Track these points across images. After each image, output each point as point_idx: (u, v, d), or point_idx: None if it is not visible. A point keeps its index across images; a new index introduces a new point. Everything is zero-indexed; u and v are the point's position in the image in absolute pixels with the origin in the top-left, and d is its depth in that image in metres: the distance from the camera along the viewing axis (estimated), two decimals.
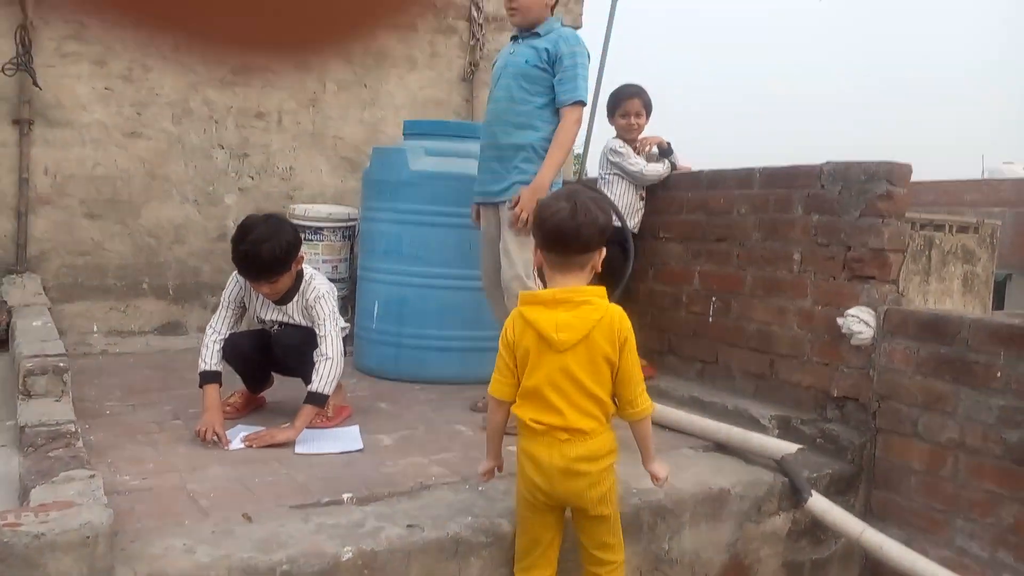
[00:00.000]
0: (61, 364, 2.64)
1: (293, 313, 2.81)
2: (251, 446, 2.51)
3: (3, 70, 3.84)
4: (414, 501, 2.21)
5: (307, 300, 2.77)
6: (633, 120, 3.69)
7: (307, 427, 2.68)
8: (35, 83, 3.92)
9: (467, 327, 3.51)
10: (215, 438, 2.51)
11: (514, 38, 3.05)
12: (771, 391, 3.16)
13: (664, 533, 2.31)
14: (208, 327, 2.79)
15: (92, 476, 1.97)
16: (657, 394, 3.32)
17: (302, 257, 2.79)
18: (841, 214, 2.95)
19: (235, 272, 2.81)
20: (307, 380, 2.69)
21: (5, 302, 3.54)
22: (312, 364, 2.68)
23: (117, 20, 0.58)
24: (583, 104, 2.95)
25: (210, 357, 2.70)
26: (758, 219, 3.28)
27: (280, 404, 3.00)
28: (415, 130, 3.92)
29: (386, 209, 3.69)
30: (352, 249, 4.29)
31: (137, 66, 4.19)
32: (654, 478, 2.10)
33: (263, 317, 2.86)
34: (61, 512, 1.74)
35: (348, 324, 3.13)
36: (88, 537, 1.69)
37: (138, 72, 4.20)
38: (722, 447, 2.76)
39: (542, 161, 2.88)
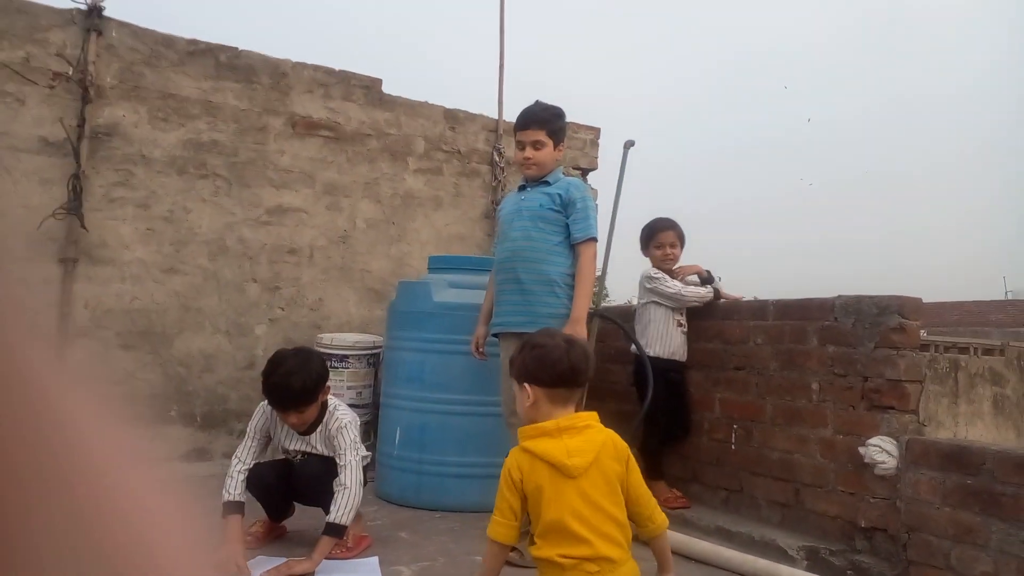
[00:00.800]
0: None
1: (316, 443, 2.85)
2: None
3: (54, 215, 4.11)
4: None
5: (329, 430, 2.82)
6: (668, 251, 3.79)
7: (326, 558, 2.67)
8: (82, 226, 4.17)
9: (487, 454, 3.52)
10: (236, 570, 2.50)
11: (521, 187, 3.33)
12: (797, 520, 3.10)
13: None
14: (234, 456, 2.84)
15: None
16: (682, 523, 3.28)
17: (328, 388, 2.87)
18: (856, 345, 3.00)
19: (262, 403, 2.88)
20: (327, 510, 2.70)
21: None
22: (332, 494, 2.70)
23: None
24: (595, 240, 3.18)
25: (234, 487, 2.73)
26: (774, 349, 3.34)
27: (301, 533, 2.99)
28: (439, 264, 4.09)
29: (410, 338, 3.79)
30: (376, 376, 4.38)
31: (178, 208, 4.46)
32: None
33: (287, 447, 2.91)
34: None
35: (369, 453, 3.16)
36: None
37: (179, 213, 4.46)
38: None
39: (563, 292, 3.07)
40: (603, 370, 4.13)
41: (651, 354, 3.62)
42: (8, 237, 0.18)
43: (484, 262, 4.22)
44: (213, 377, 4.45)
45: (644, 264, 3.90)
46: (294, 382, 2.67)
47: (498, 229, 3.38)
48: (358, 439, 2.86)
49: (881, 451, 2.79)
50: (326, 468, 2.79)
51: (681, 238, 3.84)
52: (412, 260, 5.09)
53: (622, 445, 2.03)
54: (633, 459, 2.03)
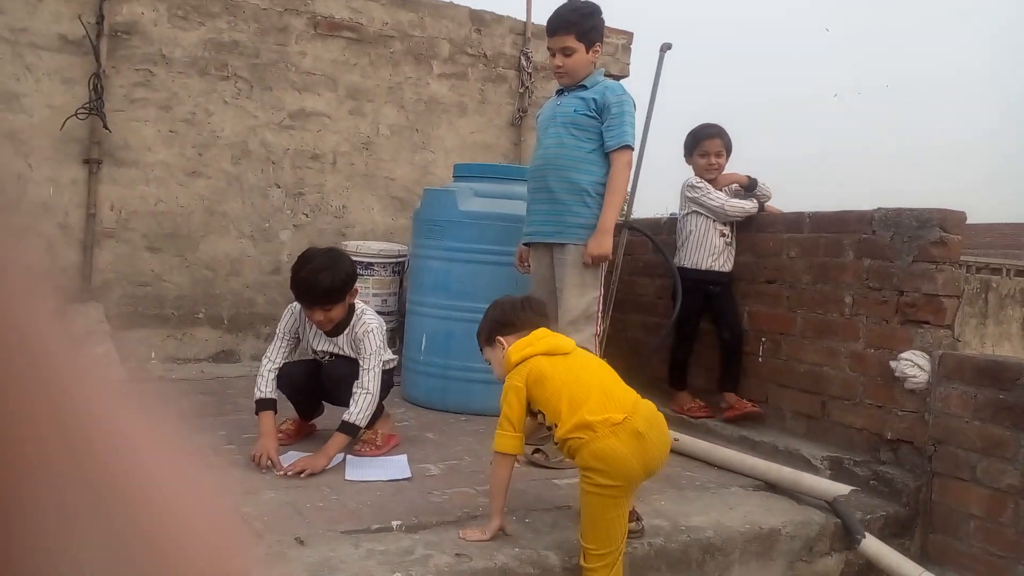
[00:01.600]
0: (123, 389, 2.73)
1: (343, 345, 2.87)
2: (286, 474, 2.54)
3: (76, 114, 4.05)
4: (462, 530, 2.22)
5: (356, 333, 2.82)
6: (713, 160, 3.60)
7: (357, 455, 2.72)
8: (105, 126, 4.11)
9: None
10: (269, 463, 2.56)
11: (559, 91, 3.19)
12: (823, 432, 3.11)
13: (713, 570, 2.27)
14: (264, 357, 2.86)
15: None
16: (706, 432, 3.31)
17: (356, 291, 2.86)
18: (893, 259, 2.93)
19: (291, 304, 2.89)
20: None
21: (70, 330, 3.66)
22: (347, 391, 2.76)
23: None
24: (631, 148, 3.05)
25: (265, 386, 2.76)
26: (808, 262, 3.28)
27: (330, 431, 3.05)
28: (465, 172, 4.02)
29: (435, 247, 3.76)
30: (401, 284, 4.38)
31: (200, 110, 4.38)
32: None
33: (316, 348, 2.93)
34: None
35: (395, 357, 3.18)
36: None
37: (201, 116, 4.39)
38: (772, 487, 2.72)
39: (594, 202, 2.99)
40: (630, 283, 4.10)
41: (689, 265, 3.52)
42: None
43: (510, 170, 4.14)
44: (239, 281, 4.47)
45: (679, 172, 3.79)
46: (322, 279, 2.66)
47: (537, 136, 3.28)
48: (384, 345, 2.87)
49: (913, 365, 2.76)
50: (352, 370, 2.81)
51: (728, 146, 3.64)
52: (436, 168, 5.01)
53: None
54: None
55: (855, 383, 3.02)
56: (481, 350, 2.37)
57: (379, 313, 3.09)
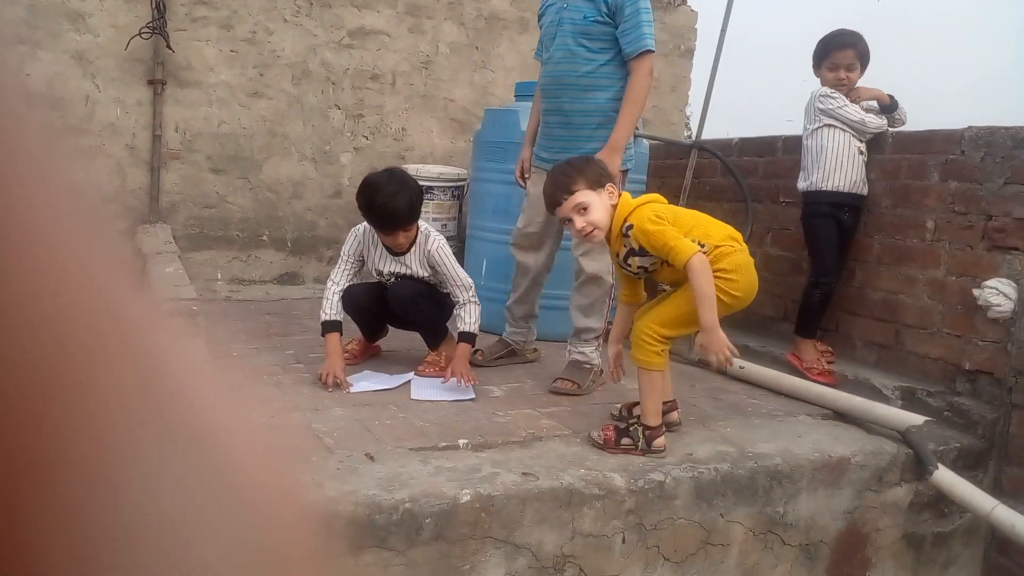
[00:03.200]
0: (194, 307, 2.79)
1: (412, 264, 2.87)
2: (456, 381, 2.66)
3: (140, 34, 4.05)
4: (527, 450, 2.24)
5: (428, 250, 2.83)
6: (843, 74, 3.15)
7: (421, 375, 2.76)
8: (168, 46, 4.11)
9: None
10: (337, 382, 2.61)
11: None
12: (895, 362, 3.02)
13: (779, 497, 2.26)
14: (328, 280, 2.89)
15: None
16: (772, 360, 3.24)
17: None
18: (983, 182, 2.77)
19: (354, 228, 2.89)
20: (418, 330, 2.88)
21: (140, 250, 3.76)
22: (424, 315, 2.83)
23: None
24: (651, 52, 2.69)
25: (331, 308, 2.80)
26: (888, 185, 3.13)
27: (394, 352, 3.10)
28: (527, 92, 3.89)
29: (497, 170, 3.70)
30: (460, 208, 4.35)
31: (260, 29, 4.34)
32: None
33: (381, 269, 2.94)
34: None
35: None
36: None
37: (261, 35, 4.35)
38: (841, 416, 2.67)
39: (612, 124, 2.71)
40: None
41: (828, 188, 3.11)
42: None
43: None
44: (302, 204, 4.50)
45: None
46: (400, 202, 2.66)
47: (540, 37, 2.94)
48: (452, 255, 2.90)
49: (998, 293, 2.64)
50: (418, 289, 2.83)
51: (863, 58, 3.16)
52: (496, 88, 4.89)
53: None
54: None
55: (933, 312, 2.90)
56: (569, 194, 2.27)
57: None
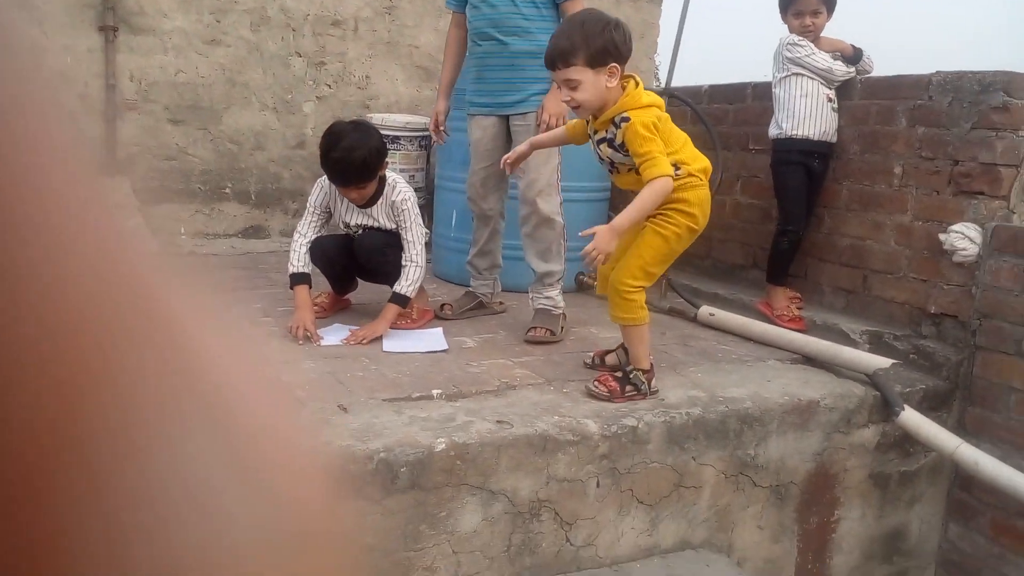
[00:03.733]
0: None
1: (378, 216, 2.82)
2: (349, 343, 2.59)
3: None
4: (501, 399, 2.24)
5: (393, 201, 2.78)
6: (808, 20, 3.10)
7: (394, 327, 2.73)
8: None
9: None
10: (307, 334, 2.57)
11: None
12: (862, 307, 3.06)
13: (750, 440, 2.29)
14: (295, 232, 2.83)
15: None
16: (742, 307, 3.27)
17: (387, 162, 2.79)
18: (950, 127, 2.78)
19: (320, 179, 2.82)
20: (387, 282, 2.77)
21: None
22: (391, 266, 2.76)
23: None
24: None
25: (298, 260, 2.74)
26: (857, 131, 3.13)
27: (365, 306, 3.05)
28: None
29: (465, 118, 3.63)
30: (428, 159, 4.27)
31: None
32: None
33: (348, 221, 2.88)
34: None
35: (428, 231, 3.15)
36: None
37: None
38: (810, 361, 2.71)
39: None
40: None
41: (799, 135, 3.09)
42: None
43: None
44: (264, 155, 4.39)
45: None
46: (355, 156, 2.58)
47: None
48: (419, 214, 2.83)
49: (963, 238, 2.67)
50: (386, 240, 2.79)
51: (828, 3, 3.13)
52: None
53: None
54: None
55: (899, 256, 2.94)
56: (566, 65, 2.16)
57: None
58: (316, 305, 2.86)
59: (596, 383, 2.28)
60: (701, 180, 2.26)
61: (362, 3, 4.52)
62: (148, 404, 0.15)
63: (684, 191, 2.22)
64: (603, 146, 2.29)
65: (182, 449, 0.15)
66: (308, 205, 2.86)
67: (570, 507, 2.06)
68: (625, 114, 2.18)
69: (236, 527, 0.16)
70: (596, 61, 2.14)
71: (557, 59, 2.19)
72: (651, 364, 2.32)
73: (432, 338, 2.73)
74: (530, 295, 2.95)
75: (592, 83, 2.15)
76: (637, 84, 2.24)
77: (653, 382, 2.30)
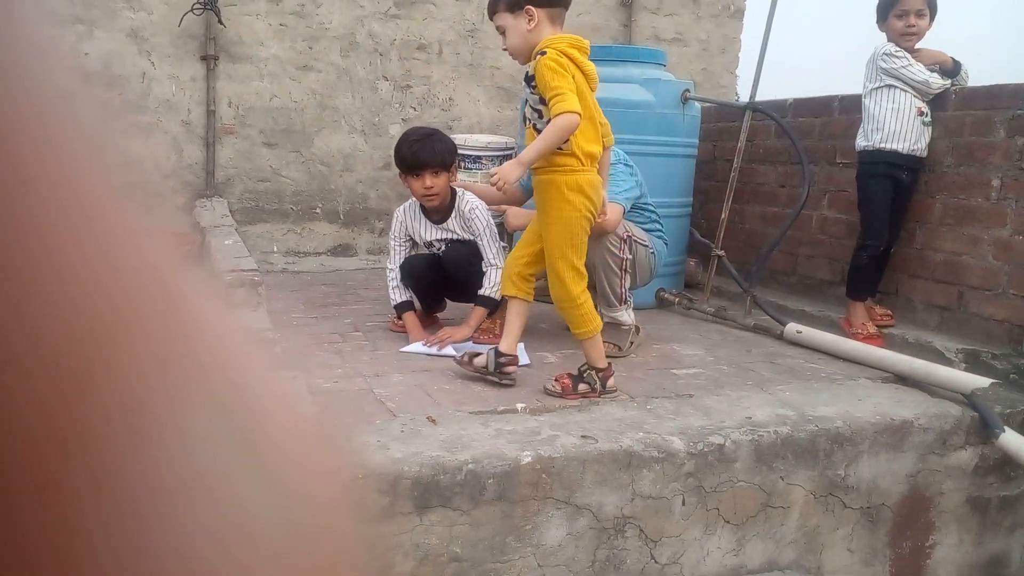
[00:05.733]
0: (256, 278, 2.86)
1: (455, 228, 2.93)
2: (432, 344, 2.72)
3: (192, 10, 4.11)
4: (584, 414, 2.26)
5: (463, 213, 2.89)
6: (913, 20, 2.98)
7: (477, 342, 2.79)
8: (219, 21, 4.17)
9: None
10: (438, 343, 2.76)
11: None
12: (958, 324, 2.96)
13: (841, 460, 2.24)
14: (387, 270, 3.00)
15: (293, 378, 2.14)
16: (830, 324, 3.20)
17: (457, 167, 2.94)
18: None
19: (396, 212, 3.02)
20: (474, 298, 2.86)
21: (199, 223, 3.86)
22: (479, 276, 2.86)
23: None
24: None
25: (398, 293, 2.94)
26: (951, 143, 3.04)
27: (451, 321, 3.13)
28: None
29: None
30: None
31: (308, 1, 4.36)
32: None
33: (429, 240, 2.98)
34: None
35: (506, 244, 3.21)
36: None
37: (309, 7, 4.38)
38: (903, 380, 2.63)
39: None
40: (749, 171, 3.93)
41: (887, 148, 3.03)
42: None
43: (624, 52, 3.98)
44: (353, 176, 4.55)
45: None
46: (433, 142, 2.78)
47: None
48: (492, 222, 2.94)
49: None
50: (471, 249, 2.91)
51: (932, 6, 3.03)
52: None
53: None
54: None
55: (998, 272, 2.83)
56: (493, 14, 2.30)
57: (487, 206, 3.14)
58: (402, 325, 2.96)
59: (552, 381, 2.36)
60: (584, 165, 2.23)
61: (446, 27, 4.65)
62: (158, 390, 0.15)
63: (573, 175, 2.23)
64: (527, 90, 2.29)
65: (192, 435, 0.15)
66: (391, 240, 3.02)
67: (655, 524, 2.06)
68: (542, 49, 2.20)
69: (247, 512, 0.16)
70: (513, 6, 2.25)
71: (488, 11, 2.34)
72: (608, 364, 2.37)
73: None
74: (598, 308, 2.98)
75: (514, 27, 2.25)
76: (572, 41, 2.23)
77: (610, 381, 2.35)
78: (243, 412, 0.17)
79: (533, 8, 2.21)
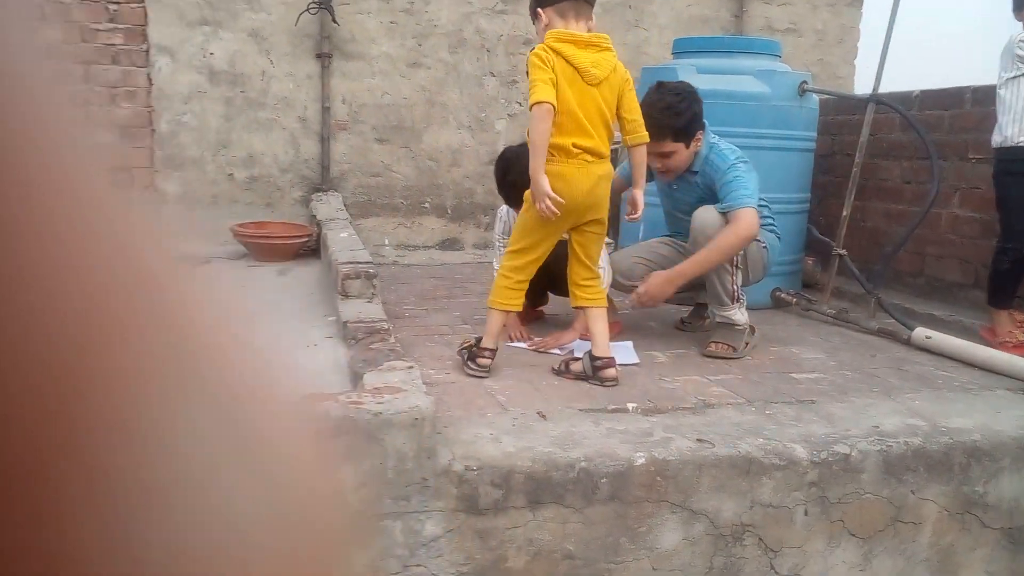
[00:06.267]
0: (371, 270, 2.93)
1: None
2: (537, 350, 2.66)
3: (308, 9, 4.24)
4: (699, 417, 2.20)
5: None
6: None
7: (584, 340, 2.77)
8: (333, 20, 4.29)
9: None
10: (519, 336, 2.79)
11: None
12: None
13: (979, 476, 2.09)
14: (493, 269, 2.99)
15: (410, 367, 2.17)
16: (961, 330, 3.01)
17: None
18: None
19: (498, 209, 3.03)
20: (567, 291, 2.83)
21: (315, 216, 3.99)
22: None
23: None
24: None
25: None
26: None
27: (556, 317, 3.12)
28: (685, 48, 3.79)
29: None
30: None
31: None
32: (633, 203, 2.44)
33: None
34: (392, 395, 1.93)
35: (612, 241, 3.18)
36: (416, 419, 1.87)
37: (419, 5, 4.44)
38: None
39: None
40: (871, 166, 3.73)
41: None
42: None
43: (735, 43, 3.87)
44: (460, 172, 4.60)
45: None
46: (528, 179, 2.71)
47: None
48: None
49: None
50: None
51: None
52: (650, 47, 4.77)
53: (624, 70, 2.34)
54: (631, 81, 2.36)
55: None
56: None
57: None
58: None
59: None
60: (565, 151, 2.26)
61: None
62: (149, 388, 0.15)
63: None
64: None
65: (183, 432, 0.15)
66: (494, 240, 3.03)
67: (775, 534, 1.98)
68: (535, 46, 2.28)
69: (238, 507, 0.16)
70: (530, 11, 2.37)
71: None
72: (488, 348, 2.41)
73: (623, 351, 2.73)
74: (709, 307, 2.90)
75: (538, 33, 2.34)
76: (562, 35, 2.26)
77: (482, 360, 2.40)
78: (235, 409, 0.17)
79: (541, 10, 2.29)
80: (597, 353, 2.39)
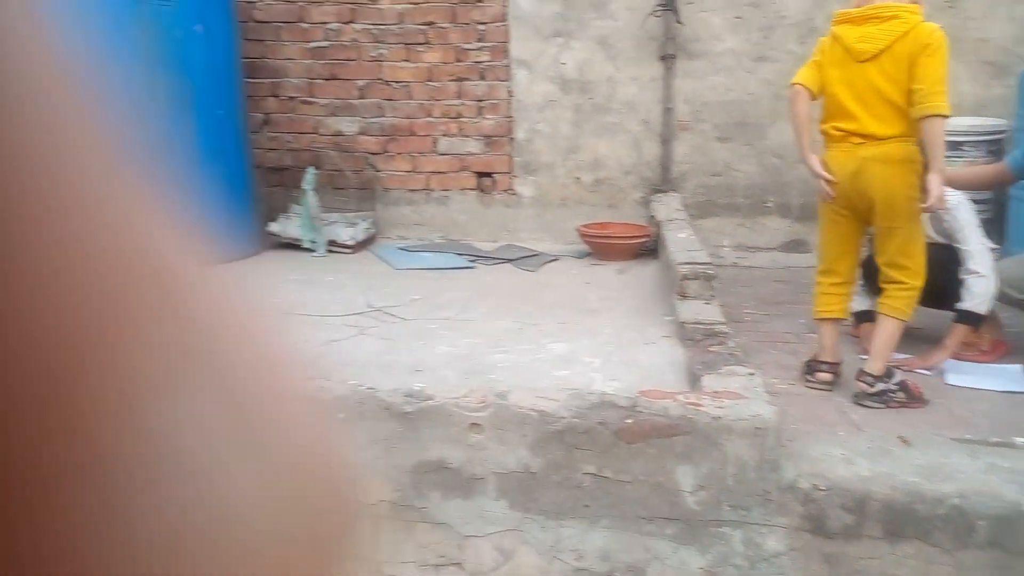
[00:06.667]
0: (710, 272, 2.90)
1: (928, 230, 2.58)
2: (900, 368, 2.42)
3: (653, 13, 4.31)
4: None
5: (938, 215, 2.52)
6: None
7: (959, 359, 2.44)
8: (678, 20, 4.30)
9: None
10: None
11: None
12: None
13: None
14: None
15: (752, 374, 2.11)
16: None
17: None
18: None
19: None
20: (949, 306, 2.49)
21: (654, 217, 4.05)
22: (953, 284, 2.51)
23: None
24: None
25: (859, 299, 2.75)
26: None
27: (919, 331, 2.80)
28: None
29: None
30: None
31: None
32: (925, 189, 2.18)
33: None
34: (733, 401, 1.90)
35: (996, 246, 2.74)
36: (758, 428, 1.81)
37: None
38: None
39: None
40: None
41: None
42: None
43: None
44: (806, 169, 4.33)
45: None
46: None
47: None
48: (975, 223, 2.51)
49: None
50: (947, 256, 2.54)
51: None
52: None
53: (927, 31, 2.15)
54: (939, 49, 2.15)
55: None
56: None
57: (972, 201, 2.69)
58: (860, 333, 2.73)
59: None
60: (826, 136, 2.35)
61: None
62: (151, 376, 0.15)
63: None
64: None
65: (185, 420, 0.15)
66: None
67: None
68: None
69: (240, 494, 0.16)
70: None
71: None
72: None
73: (1008, 375, 2.37)
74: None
75: None
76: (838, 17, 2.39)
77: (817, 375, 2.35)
78: (238, 397, 0.17)
79: None
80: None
